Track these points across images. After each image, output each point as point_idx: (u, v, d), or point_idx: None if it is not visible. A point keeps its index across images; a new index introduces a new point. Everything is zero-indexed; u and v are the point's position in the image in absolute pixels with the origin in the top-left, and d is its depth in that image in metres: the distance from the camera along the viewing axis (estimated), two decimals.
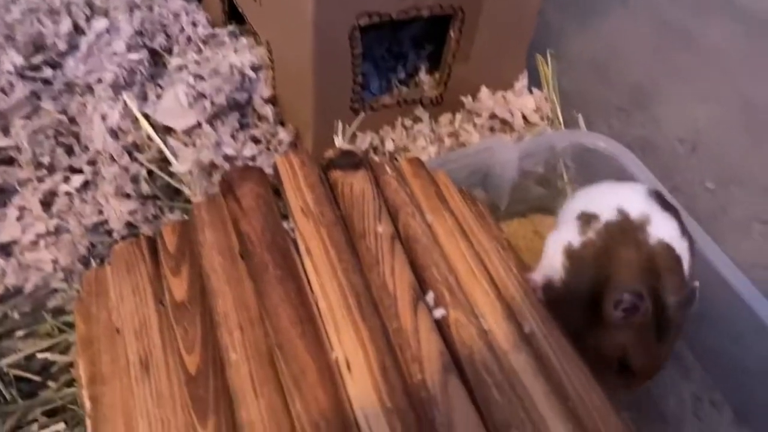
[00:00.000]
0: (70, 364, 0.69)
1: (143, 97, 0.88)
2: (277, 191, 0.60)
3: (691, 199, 0.80)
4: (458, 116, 0.96)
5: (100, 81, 0.87)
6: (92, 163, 0.83)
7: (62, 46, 0.88)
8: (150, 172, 0.83)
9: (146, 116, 0.86)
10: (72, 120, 0.85)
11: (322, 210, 0.56)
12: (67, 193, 0.80)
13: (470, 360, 0.48)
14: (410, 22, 0.94)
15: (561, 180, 0.84)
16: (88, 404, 0.52)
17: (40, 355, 0.68)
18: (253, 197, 0.57)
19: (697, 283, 0.55)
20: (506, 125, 0.95)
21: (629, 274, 0.53)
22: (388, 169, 0.63)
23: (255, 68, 0.91)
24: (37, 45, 0.88)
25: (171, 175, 0.84)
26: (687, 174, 0.86)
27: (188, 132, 0.86)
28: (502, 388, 0.47)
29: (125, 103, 0.85)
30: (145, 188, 0.82)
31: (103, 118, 0.84)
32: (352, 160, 0.61)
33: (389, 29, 1.01)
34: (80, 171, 0.82)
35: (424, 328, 0.49)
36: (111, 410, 0.51)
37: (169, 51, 0.96)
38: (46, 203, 0.79)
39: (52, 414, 0.67)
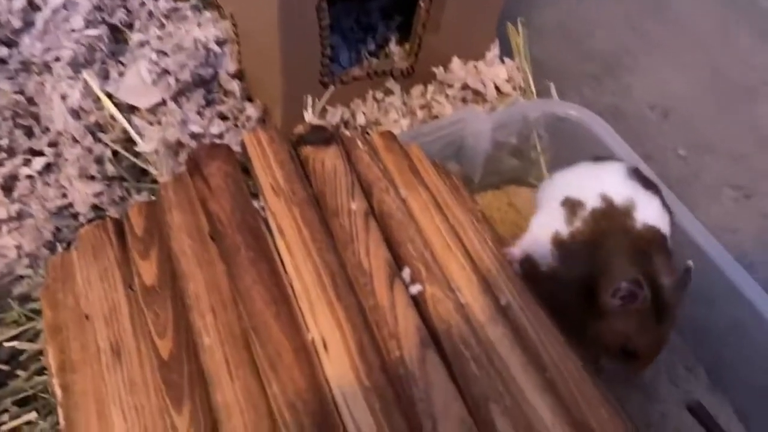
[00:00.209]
0: (40, 352, 0.67)
1: (104, 75, 0.85)
2: (246, 169, 0.58)
3: (663, 166, 0.81)
4: (430, 88, 0.94)
5: (58, 59, 0.83)
6: (54, 144, 0.81)
7: (16, 23, 0.84)
8: (115, 153, 0.81)
9: (108, 95, 0.83)
10: (30, 100, 0.82)
11: (293, 188, 0.55)
12: (29, 177, 0.78)
13: (448, 334, 0.48)
14: None
15: (534, 150, 0.83)
16: (59, 392, 0.51)
17: (7, 344, 0.67)
18: (221, 176, 0.55)
19: (690, 263, 0.55)
20: (479, 96, 0.94)
21: (623, 262, 0.54)
22: (360, 143, 0.61)
23: (220, 42, 0.89)
24: None
25: (136, 155, 0.81)
26: (659, 141, 0.86)
27: (153, 110, 0.84)
28: (480, 362, 0.47)
29: (86, 81, 0.82)
30: (110, 169, 0.80)
31: (63, 97, 0.81)
32: (322, 136, 0.60)
33: (357, 0, 0.98)
34: (41, 153, 0.80)
35: (401, 304, 0.49)
36: (83, 398, 0.50)
37: (130, 26, 0.92)
38: (7, 188, 0.77)
39: (23, 403, 0.66)
